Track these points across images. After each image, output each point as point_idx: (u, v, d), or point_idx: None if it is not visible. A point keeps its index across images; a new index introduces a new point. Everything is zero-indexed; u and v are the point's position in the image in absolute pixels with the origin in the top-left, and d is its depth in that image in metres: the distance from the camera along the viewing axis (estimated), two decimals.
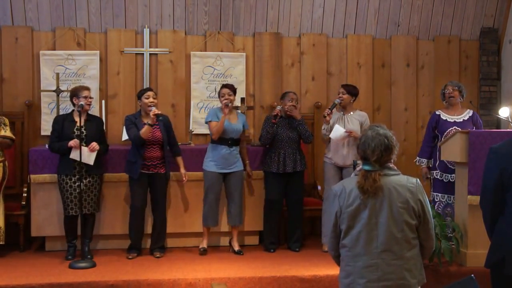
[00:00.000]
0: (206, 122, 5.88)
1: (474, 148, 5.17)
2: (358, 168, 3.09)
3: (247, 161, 5.95)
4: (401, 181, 3.02)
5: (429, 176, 5.89)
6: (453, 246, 5.19)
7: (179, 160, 5.80)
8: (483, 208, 3.27)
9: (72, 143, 5.32)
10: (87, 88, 5.60)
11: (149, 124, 5.45)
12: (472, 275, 3.10)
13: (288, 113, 5.91)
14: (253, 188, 6.12)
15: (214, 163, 5.75)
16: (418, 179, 3.08)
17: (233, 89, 5.81)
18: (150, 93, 5.63)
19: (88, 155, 5.35)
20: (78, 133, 5.42)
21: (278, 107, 5.90)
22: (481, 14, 7.22)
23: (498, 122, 7.17)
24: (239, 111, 6.20)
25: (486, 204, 3.24)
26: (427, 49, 7.23)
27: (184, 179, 5.77)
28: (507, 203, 3.12)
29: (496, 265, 3.14)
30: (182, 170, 5.76)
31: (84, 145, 5.35)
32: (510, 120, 6.41)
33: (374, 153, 3.00)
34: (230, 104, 5.69)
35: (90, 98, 5.53)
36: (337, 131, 5.74)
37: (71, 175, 5.42)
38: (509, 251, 3.08)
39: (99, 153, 5.48)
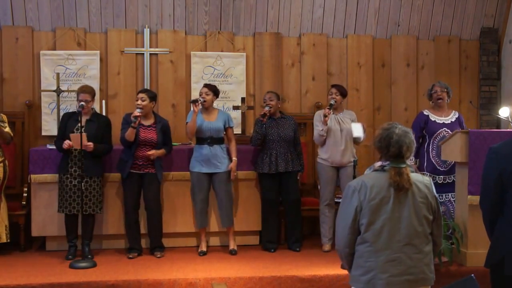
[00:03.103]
0: (186, 123, 5.84)
1: (474, 148, 5.16)
2: (378, 164, 3.11)
3: (234, 158, 5.84)
4: (418, 177, 3.13)
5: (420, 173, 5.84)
6: (453, 246, 5.19)
7: (162, 151, 5.64)
8: (483, 209, 3.28)
9: (65, 146, 5.37)
10: (84, 91, 5.51)
11: (132, 127, 5.46)
12: (472, 275, 3.09)
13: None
14: (252, 187, 6.11)
15: (198, 163, 5.73)
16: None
17: (212, 89, 5.78)
18: (139, 95, 5.63)
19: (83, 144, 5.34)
20: (78, 133, 5.43)
21: (267, 108, 5.87)
22: (481, 14, 7.23)
23: (498, 122, 7.17)
24: (240, 110, 6.20)
25: (485, 204, 3.24)
26: (427, 49, 7.23)
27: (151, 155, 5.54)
28: (506, 203, 3.12)
29: (496, 265, 3.15)
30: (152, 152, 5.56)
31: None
32: (510, 120, 6.41)
33: (409, 149, 3.09)
34: (200, 101, 5.64)
35: (84, 101, 5.43)
36: (358, 127, 5.68)
37: (67, 175, 5.46)
38: (509, 251, 3.08)
39: (99, 153, 5.50)
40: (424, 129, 5.87)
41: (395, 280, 2.97)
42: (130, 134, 5.47)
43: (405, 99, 7.18)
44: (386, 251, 2.98)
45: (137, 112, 5.48)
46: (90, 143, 5.38)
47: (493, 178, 3.15)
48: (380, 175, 3.06)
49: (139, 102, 5.57)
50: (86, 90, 5.55)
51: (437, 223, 3.12)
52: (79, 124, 5.45)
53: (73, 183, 5.46)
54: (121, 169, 5.64)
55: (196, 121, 5.67)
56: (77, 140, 5.32)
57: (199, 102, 5.67)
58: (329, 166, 5.88)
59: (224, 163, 5.79)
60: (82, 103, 5.43)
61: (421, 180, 3.11)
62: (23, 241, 5.86)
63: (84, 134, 5.34)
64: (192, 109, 5.68)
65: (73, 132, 5.44)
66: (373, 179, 3.05)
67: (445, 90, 5.92)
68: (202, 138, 5.74)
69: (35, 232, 5.84)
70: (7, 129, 5.58)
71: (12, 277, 4.88)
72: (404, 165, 3.06)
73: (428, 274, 3.04)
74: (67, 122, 5.55)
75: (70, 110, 6.00)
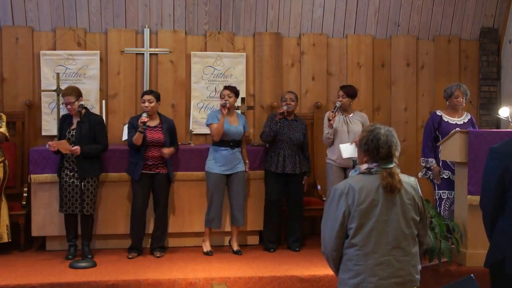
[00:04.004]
0: (207, 125, 5.88)
1: (474, 148, 5.17)
2: (364, 167, 3.03)
3: (247, 161, 5.95)
4: (404, 178, 3.06)
5: (443, 175, 5.78)
6: (452, 246, 5.19)
7: (172, 149, 5.70)
8: (483, 209, 3.27)
9: (50, 148, 5.36)
10: (66, 93, 5.47)
11: (139, 132, 5.46)
12: (472, 275, 3.10)
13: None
14: (254, 188, 6.12)
15: (217, 165, 5.75)
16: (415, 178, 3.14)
17: (234, 91, 5.81)
18: (146, 97, 5.62)
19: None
20: (69, 136, 5.47)
21: (285, 107, 5.91)
22: (481, 14, 7.23)
23: (498, 122, 7.18)
24: (239, 111, 6.21)
25: (486, 204, 3.24)
26: (427, 49, 7.23)
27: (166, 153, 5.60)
28: (507, 203, 3.13)
29: (496, 265, 3.15)
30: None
31: (71, 144, 5.35)
32: (510, 120, 6.41)
33: (397, 149, 3.03)
34: (227, 105, 5.68)
35: (69, 104, 5.42)
36: (347, 149, 5.65)
37: (63, 175, 5.47)
38: (509, 251, 3.08)
39: (89, 155, 5.42)
40: (437, 129, 5.86)
41: (384, 283, 2.94)
42: (137, 138, 5.48)
43: (405, 99, 7.19)
44: (374, 254, 2.95)
45: (144, 118, 5.45)
46: (76, 147, 5.31)
47: (495, 178, 3.14)
48: (368, 177, 3.00)
49: (147, 104, 5.56)
50: (67, 92, 5.48)
51: (423, 223, 3.07)
52: (70, 128, 5.48)
53: (68, 183, 5.46)
54: (132, 172, 5.62)
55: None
56: (61, 146, 5.33)
57: (227, 106, 5.68)
58: (337, 167, 5.90)
59: (241, 163, 5.85)
60: (82, 103, 5.44)
61: (407, 181, 3.04)
62: (23, 241, 5.86)
63: (64, 141, 5.33)
64: (220, 111, 5.71)
65: (66, 136, 5.46)
66: (361, 182, 2.99)
67: (466, 95, 5.94)
68: (226, 141, 5.76)
69: (35, 232, 5.84)
70: (3, 129, 5.57)
71: (12, 277, 4.89)
72: (392, 165, 3.01)
73: (414, 275, 3.02)
74: (63, 125, 5.56)
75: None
